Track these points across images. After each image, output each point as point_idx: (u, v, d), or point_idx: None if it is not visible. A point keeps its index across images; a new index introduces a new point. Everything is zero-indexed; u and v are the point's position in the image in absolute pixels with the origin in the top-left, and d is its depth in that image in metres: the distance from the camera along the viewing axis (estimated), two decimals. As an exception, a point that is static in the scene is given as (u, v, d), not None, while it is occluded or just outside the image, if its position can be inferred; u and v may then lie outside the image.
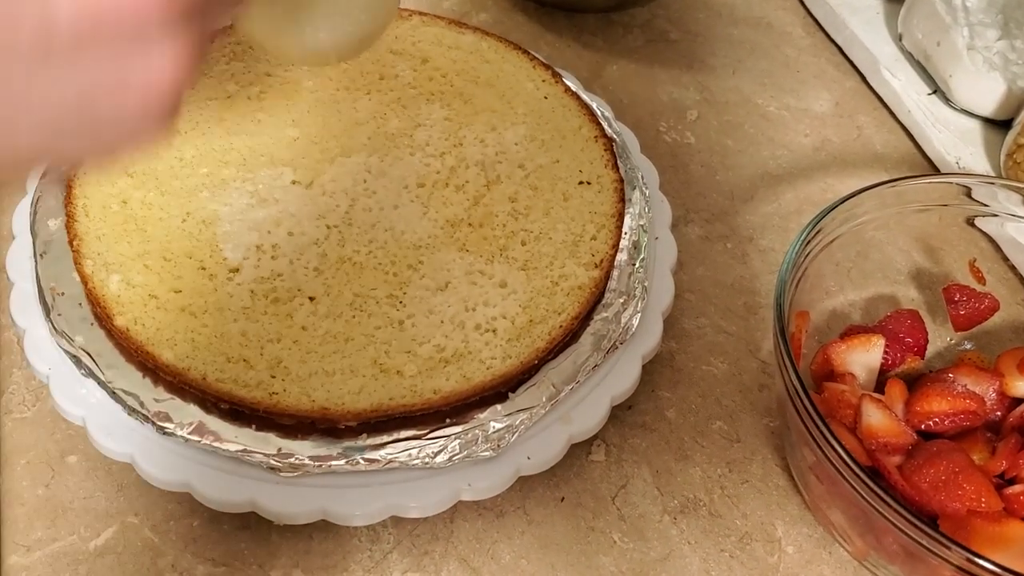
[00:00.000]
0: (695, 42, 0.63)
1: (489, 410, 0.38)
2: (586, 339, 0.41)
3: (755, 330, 0.48)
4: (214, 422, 0.37)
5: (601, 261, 0.43)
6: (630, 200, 0.46)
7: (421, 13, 0.53)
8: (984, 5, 0.54)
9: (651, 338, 0.43)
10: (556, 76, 0.51)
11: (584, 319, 0.42)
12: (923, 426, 0.40)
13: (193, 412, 0.37)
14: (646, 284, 0.44)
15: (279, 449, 0.36)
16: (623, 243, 0.44)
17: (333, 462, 0.36)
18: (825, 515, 0.40)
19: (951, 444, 0.39)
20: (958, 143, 0.56)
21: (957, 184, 0.45)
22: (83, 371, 0.39)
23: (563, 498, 0.40)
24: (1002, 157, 0.54)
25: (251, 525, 0.38)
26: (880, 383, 0.43)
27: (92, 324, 0.40)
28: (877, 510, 0.34)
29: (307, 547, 0.38)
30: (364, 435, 0.37)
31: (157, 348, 0.38)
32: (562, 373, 0.40)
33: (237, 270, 0.41)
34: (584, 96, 0.51)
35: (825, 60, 0.63)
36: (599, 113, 0.50)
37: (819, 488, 0.39)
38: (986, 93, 0.56)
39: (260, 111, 0.47)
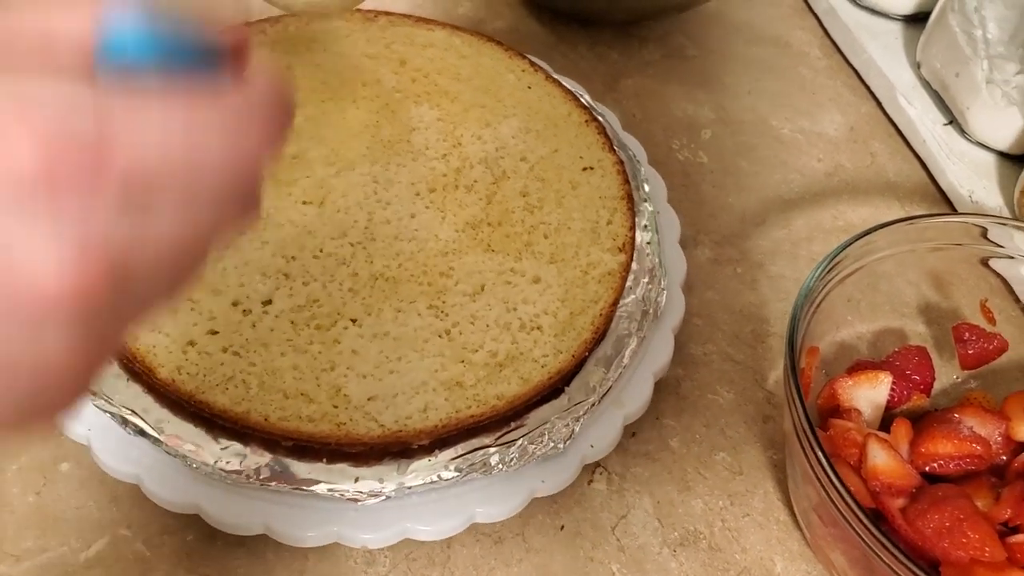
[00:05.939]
0: (711, 59, 0.63)
1: (548, 406, 0.38)
2: (619, 322, 0.42)
3: (762, 359, 0.47)
4: (281, 462, 0.36)
5: (624, 244, 0.44)
6: (633, 176, 0.47)
7: (387, 13, 0.52)
8: (1006, 38, 0.54)
9: (677, 311, 0.45)
10: (534, 65, 0.51)
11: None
12: (927, 468, 0.40)
13: (258, 457, 0.36)
14: (660, 258, 0.45)
15: (357, 479, 0.36)
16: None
17: (413, 483, 0.36)
18: (825, 555, 0.40)
19: (956, 489, 0.39)
20: (972, 176, 0.56)
21: (974, 224, 0.44)
22: (130, 430, 0.36)
23: (563, 526, 0.40)
24: (1016, 193, 0.53)
25: (246, 542, 0.37)
26: (884, 419, 0.42)
27: (128, 380, 0.37)
28: (879, 556, 0.34)
29: (302, 567, 0.37)
30: (436, 451, 0.36)
31: (210, 395, 0.36)
32: (607, 359, 0.40)
33: (270, 301, 0.39)
34: (564, 81, 0.51)
35: (841, 83, 0.63)
36: (579, 96, 0.51)
37: (821, 528, 0.39)
38: (1003, 127, 0.55)
39: None
